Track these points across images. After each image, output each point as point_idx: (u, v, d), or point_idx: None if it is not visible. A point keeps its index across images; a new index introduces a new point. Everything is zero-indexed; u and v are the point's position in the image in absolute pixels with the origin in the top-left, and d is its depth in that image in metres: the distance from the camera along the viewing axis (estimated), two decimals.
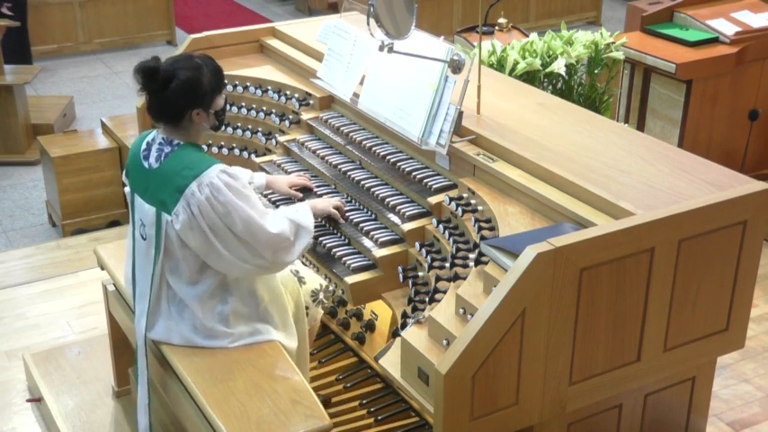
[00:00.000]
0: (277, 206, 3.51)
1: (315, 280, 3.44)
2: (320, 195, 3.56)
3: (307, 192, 3.60)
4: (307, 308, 3.39)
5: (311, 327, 3.48)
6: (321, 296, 3.42)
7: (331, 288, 3.40)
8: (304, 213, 3.16)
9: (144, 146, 3.06)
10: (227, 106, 3.28)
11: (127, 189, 3.16)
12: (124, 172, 3.19)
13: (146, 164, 3.03)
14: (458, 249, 2.97)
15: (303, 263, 3.51)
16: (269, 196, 3.64)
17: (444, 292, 2.83)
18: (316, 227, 3.43)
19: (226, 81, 4.17)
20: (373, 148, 3.58)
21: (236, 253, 2.96)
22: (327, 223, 3.44)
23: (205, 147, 4.16)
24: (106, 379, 4.07)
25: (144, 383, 3.20)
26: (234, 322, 3.10)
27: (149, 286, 3.06)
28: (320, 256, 3.31)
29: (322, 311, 3.52)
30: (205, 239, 2.94)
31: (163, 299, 3.08)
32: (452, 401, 2.50)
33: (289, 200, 3.60)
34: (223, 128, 4.11)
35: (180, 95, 2.96)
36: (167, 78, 2.95)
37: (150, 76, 2.95)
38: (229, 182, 2.92)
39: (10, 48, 8.56)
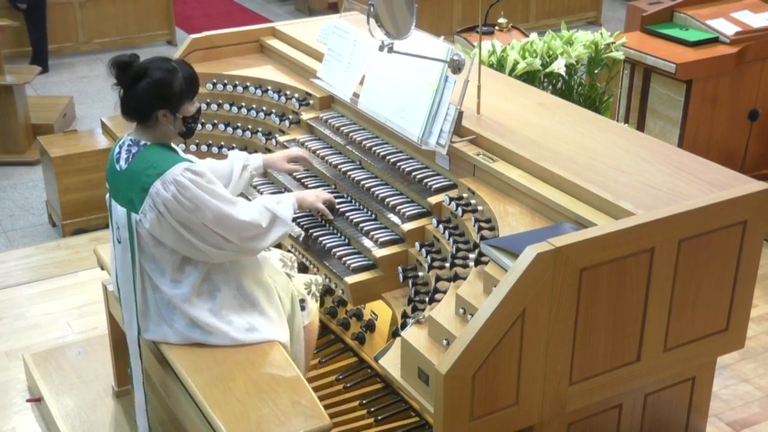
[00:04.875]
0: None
1: (304, 276, 3.45)
2: (314, 182, 3.61)
3: (304, 168, 3.63)
4: (303, 300, 3.40)
5: (311, 322, 3.47)
6: (313, 288, 3.43)
7: (320, 281, 3.40)
8: (285, 206, 3.19)
9: (117, 149, 3.10)
10: (200, 117, 3.27)
11: (107, 195, 3.19)
12: (106, 177, 3.21)
13: (117, 166, 3.07)
14: (458, 249, 2.97)
15: (305, 264, 3.51)
16: (258, 187, 3.64)
17: (444, 292, 2.83)
18: (310, 222, 3.44)
19: (226, 82, 4.22)
20: (373, 148, 3.58)
21: (210, 242, 3.00)
22: (319, 218, 3.46)
23: (205, 147, 4.17)
24: (106, 379, 4.07)
25: (140, 387, 3.20)
26: (227, 316, 3.11)
27: (132, 290, 3.08)
28: (320, 256, 3.31)
29: (317, 304, 3.52)
30: (178, 235, 2.98)
31: (151, 302, 3.10)
32: (452, 401, 2.50)
33: (280, 192, 3.60)
34: (223, 127, 4.14)
35: (148, 94, 2.99)
36: (139, 75, 2.98)
37: (122, 70, 2.98)
38: (194, 179, 2.95)
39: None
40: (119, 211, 3.06)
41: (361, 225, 3.33)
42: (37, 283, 5.11)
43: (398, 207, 3.28)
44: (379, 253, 3.18)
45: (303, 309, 3.39)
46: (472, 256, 2.86)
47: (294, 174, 3.69)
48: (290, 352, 3.24)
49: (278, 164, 3.56)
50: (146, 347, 3.23)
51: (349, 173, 3.56)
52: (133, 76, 2.98)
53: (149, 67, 3.00)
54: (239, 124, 4.17)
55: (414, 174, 3.37)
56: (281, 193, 3.62)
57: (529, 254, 2.47)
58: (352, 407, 3.60)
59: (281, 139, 3.94)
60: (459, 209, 3.08)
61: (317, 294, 3.47)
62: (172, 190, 2.93)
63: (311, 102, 4.03)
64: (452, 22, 9.38)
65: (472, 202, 3.12)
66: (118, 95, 3.05)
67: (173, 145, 3.14)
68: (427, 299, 2.90)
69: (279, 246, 3.45)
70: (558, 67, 4.60)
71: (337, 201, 3.47)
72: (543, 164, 3.01)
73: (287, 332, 3.24)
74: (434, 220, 3.16)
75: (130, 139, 3.07)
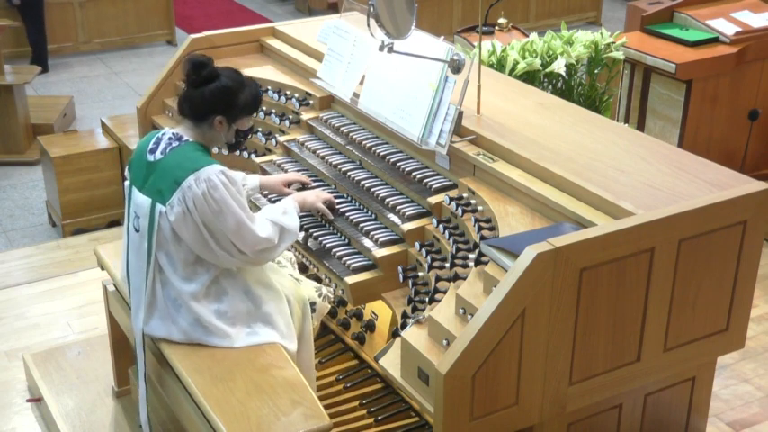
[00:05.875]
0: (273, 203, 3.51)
1: (311, 283, 3.46)
2: (314, 182, 3.63)
3: (303, 188, 3.60)
4: (314, 303, 3.40)
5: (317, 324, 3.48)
6: (324, 290, 3.44)
7: (331, 288, 3.41)
8: (290, 215, 3.21)
9: (153, 140, 3.13)
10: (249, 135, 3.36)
11: (126, 183, 3.20)
12: (127, 167, 3.24)
13: (151, 157, 3.09)
14: (458, 249, 2.97)
15: (305, 264, 3.51)
16: (268, 196, 3.64)
17: (444, 292, 2.83)
18: (310, 222, 3.44)
19: None
20: (373, 148, 3.58)
21: (225, 248, 3.03)
22: (320, 218, 3.46)
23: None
24: (106, 379, 4.07)
25: (142, 377, 3.21)
26: (232, 320, 3.11)
27: (144, 280, 3.09)
28: (320, 256, 3.31)
29: (329, 305, 3.53)
30: (197, 232, 3.00)
31: (159, 295, 3.10)
32: (452, 401, 2.50)
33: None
34: None
35: (213, 97, 3.08)
36: (210, 77, 3.08)
37: (197, 70, 3.08)
38: (226, 183, 2.99)
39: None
40: (140, 200, 3.08)
41: (361, 225, 3.33)
42: (37, 283, 5.11)
43: (398, 207, 3.28)
44: (379, 253, 3.18)
45: (313, 311, 3.40)
46: (472, 256, 2.86)
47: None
48: (300, 358, 3.24)
49: (276, 187, 3.57)
50: (146, 344, 3.23)
51: (349, 173, 3.56)
52: (206, 76, 3.07)
53: (222, 73, 3.11)
54: None
55: (414, 174, 3.37)
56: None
57: (529, 254, 2.47)
58: (352, 407, 3.60)
59: (281, 139, 3.94)
60: (459, 209, 3.08)
61: (330, 296, 3.48)
62: (203, 187, 2.96)
63: (311, 102, 4.03)
64: (452, 22, 9.38)
65: (472, 202, 3.12)
66: (182, 91, 3.14)
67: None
68: (427, 299, 2.90)
69: None
70: (558, 67, 4.60)
71: (337, 201, 3.47)
72: (543, 164, 3.01)
73: (294, 341, 3.24)
74: (434, 220, 3.16)
75: (173, 133, 3.11)
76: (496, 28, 5.52)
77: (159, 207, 3.01)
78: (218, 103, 3.08)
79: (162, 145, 3.08)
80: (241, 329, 3.12)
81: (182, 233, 3.01)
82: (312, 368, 3.43)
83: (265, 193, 3.63)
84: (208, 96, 3.07)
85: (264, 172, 3.82)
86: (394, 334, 3.09)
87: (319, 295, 3.43)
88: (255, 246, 3.05)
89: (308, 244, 3.39)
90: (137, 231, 3.10)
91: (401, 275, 3.15)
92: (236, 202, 3.00)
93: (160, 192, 3.01)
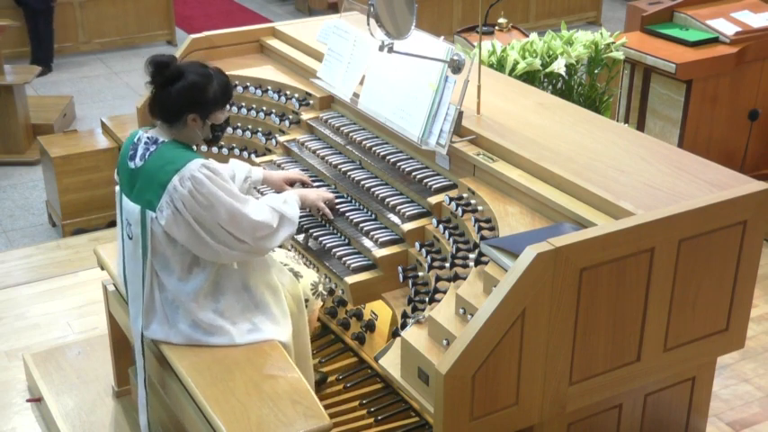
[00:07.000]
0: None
1: (312, 274, 3.46)
2: (315, 182, 3.63)
3: (304, 187, 3.60)
4: (306, 300, 3.40)
5: (309, 318, 3.47)
6: (320, 288, 3.43)
7: (328, 281, 3.41)
8: (291, 205, 3.20)
9: (131, 146, 3.10)
10: (228, 127, 3.28)
11: (117, 188, 3.19)
12: (116, 171, 3.22)
13: (131, 164, 3.06)
14: (458, 249, 2.97)
15: (305, 264, 3.52)
16: (263, 191, 3.65)
17: (444, 292, 2.83)
18: (310, 222, 3.44)
19: None
20: (373, 148, 3.58)
21: (221, 241, 3.00)
22: (319, 217, 3.46)
23: (205, 147, 4.15)
24: (106, 379, 4.07)
25: (142, 382, 3.21)
26: (231, 317, 3.11)
27: (141, 286, 3.08)
28: (320, 256, 3.31)
29: (321, 302, 3.53)
30: (191, 231, 2.98)
31: (156, 299, 3.10)
32: (452, 401, 2.50)
33: None
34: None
35: (181, 96, 3.00)
36: (175, 76, 3.00)
37: (160, 70, 3.00)
38: (210, 175, 2.97)
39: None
40: (130, 207, 3.06)
41: (361, 225, 3.33)
42: (37, 283, 5.11)
43: (398, 207, 3.28)
44: (379, 253, 3.18)
45: (306, 307, 3.40)
46: (472, 256, 2.86)
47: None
48: (295, 344, 3.24)
49: (277, 184, 3.57)
50: (146, 347, 3.23)
51: (349, 173, 3.56)
52: (169, 76, 3.00)
53: (186, 70, 3.02)
54: (239, 124, 4.17)
55: (414, 174, 3.37)
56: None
57: (529, 254, 2.47)
58: (352, 407, 3.60)
59: (281, 139, 3.94)
60: (459, 209, 3.08)
61: (324, 293, 3.48)
62: (188, 186, 2.94)
63: (311, 102, 4.03)
64: (452, 22, 9.38)
65: (472, 202, 3.12)
66: (150, 94, 3.06)
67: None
68: (427, 299, 2.90)
69: (280, 246, 3.46)
70: (558, 67, 4.60)
71: (337, 201, 3.47)
72: (543, 164, 3.01)
73: (289, 330, 3.23)
74: (434, 220, 3.16)
75: (147, 137, 3.06)
76: (496, 28, 5.52)
77: (149, 213, 2.99)
78: (187, 102, 3.01)
79: (140, 150, 3.05)
80: (241, 327, 3.12)
81: (174, 234, 2.99)
82: (309, 365, 3.43)
83: (265, 189, 3.62)
84: (176, 96, 2.99)
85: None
86: (394, 334, 3.09)
87: (314, 292, 3.43)
88: (254, 231, 3.02)
89: (308, 244, 3.39)
90: (130, 239, 3.09)
91: (401, 275, 3.15)
92: (225, 192, 2.97)
93: (150, 201, 2.99)
